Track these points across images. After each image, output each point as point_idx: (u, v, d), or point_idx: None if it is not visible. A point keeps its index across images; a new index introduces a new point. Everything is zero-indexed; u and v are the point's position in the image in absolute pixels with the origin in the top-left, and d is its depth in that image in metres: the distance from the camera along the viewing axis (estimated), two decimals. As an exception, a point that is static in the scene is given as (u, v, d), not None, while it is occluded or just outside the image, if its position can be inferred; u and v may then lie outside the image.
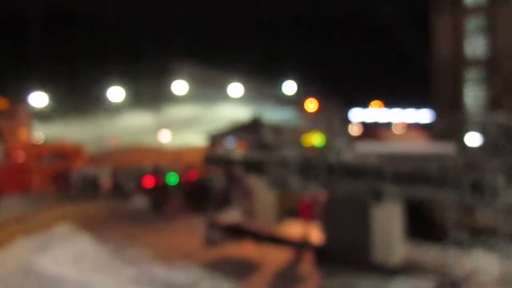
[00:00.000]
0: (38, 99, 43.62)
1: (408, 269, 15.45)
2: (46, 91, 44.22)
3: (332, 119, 36.91)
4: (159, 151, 38.64)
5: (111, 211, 24.96)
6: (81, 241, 18.33)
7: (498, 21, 25.60)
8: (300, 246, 18.20)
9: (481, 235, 17.15)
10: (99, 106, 47.51)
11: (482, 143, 22.86)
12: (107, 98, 46.86)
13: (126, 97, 46.58)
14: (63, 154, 32.28)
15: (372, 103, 52.81)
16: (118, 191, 28.35)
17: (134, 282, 14.37)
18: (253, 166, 20.40)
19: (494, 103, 25.70)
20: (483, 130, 23.65)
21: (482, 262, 15.27)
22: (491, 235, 16.75)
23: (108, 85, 46.19)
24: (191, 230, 20.80)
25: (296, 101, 49.55)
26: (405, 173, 14.94)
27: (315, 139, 26.65)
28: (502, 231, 16.07)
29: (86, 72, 46.06)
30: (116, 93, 46.10)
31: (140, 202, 26.23)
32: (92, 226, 20.85)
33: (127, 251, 17.50)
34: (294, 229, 20.02)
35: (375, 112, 52.20)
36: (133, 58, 49.04)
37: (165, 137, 44.82)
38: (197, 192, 24.65)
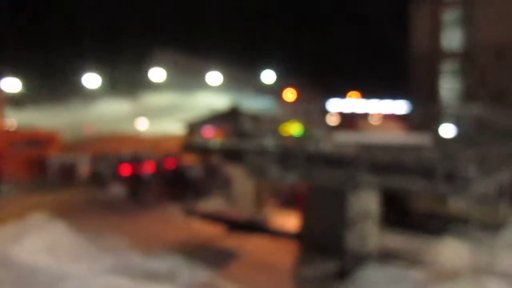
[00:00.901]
0: (11, 85, 42.40)
1: (383, 256, 15.80)
2: (19, 77, 43.00)
3: (311, 109, 37.08)
4: (136, 139, 38.18)
5: (88, 199, 24.62)
6: (56, 229, 18.02)
7: (474, 14, 26.10)
8: (279, 234, 18.39)
9: (453, 223, 17.66)
10: (75, 93, 46.49)
11: (456, 134, 23.43)
12: (82, 85, 45.88)
13: (102, 84, 45.73)
14: (38, 141, 31.55)
15: (350, 93, 53.24)
16: (95, 179, 27.96)
17: (111, 271, 14.26)
18: (232, 155, 20.41)
19: (468, 95, 26.27)
20: (457, 122, 24.22)
21: (454, 249, 15.73)
22: (463, 223, 17.28)
23: (84, 72, 45.22)
24: (169, 219, 20.74)
25: (275, 90, 49.56)
26: (381, 163, 15.19)
27: (294, 128, 26.76)
28: (473, 220, 16.60)
29: (61, 58, 44.94)
30: (92, 80, 45.19)
31: (117, 190, 25.95)
32: (68, 214, 20.48)
33: (104, 240, 17.31)
34: (273, 217, 20.21)
35: (353, 103, 52.66)
36: (110, 45, 48.03)
37: (142, 125, 44.30)
38: (175, 180, 24.55)
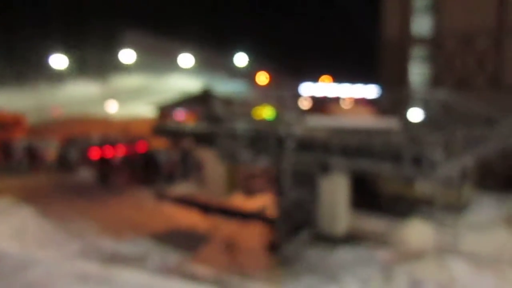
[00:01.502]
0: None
1: (352, 238, 16.16)
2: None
3: (283, 92, 37.12)
4: (106, 122, 37.44)
5: (55, 183, 24.08)
6: (22, 215, 17.59)
7: (442, 1, 26.48)
8: (251, 217, 18.50)
9: (419, 205, 18.18)
10: (41, 75, 45.00)
11: (423, 119, 23.94)
12: (49, 66, 44.41)
13: (70, 66, 44.35)
14: (2, 124, 30.53)
15: (322, 78, 53.57)
16: (63, 163, 27.34)
17: (80, 256, 14.09)
18: (203, 138, 20.30)
19: (437, 80, 26.80)
20: (424, 106, 24.74)
21: (420, 230, 16.22)
22: (428, 205, 17.79)
23: (51, 53, 43.72)
24: (139, 203, 20.54)
25: (248, 74, 49.36)
26: (351, 147, 15.41)
27: (266, 112, 26.79)
28: (438, 201, 17.10)
29: (27, 39, 43.30)
30: (59, 61, 43.76)
31: (85, 174, 25.45)
32: (35, 199, 19.99)
33: (72, 225, 17.05)
34: (244, 201, 20.30)
35: (325, 87, 53.03)
36: (77, 25, 46.60)
37: (112, 108, 43.40)
38: (146, 164, 24.25)
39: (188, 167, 23.07)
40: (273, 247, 15.72)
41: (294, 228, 16.38)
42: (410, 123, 23.70)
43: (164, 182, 22.63)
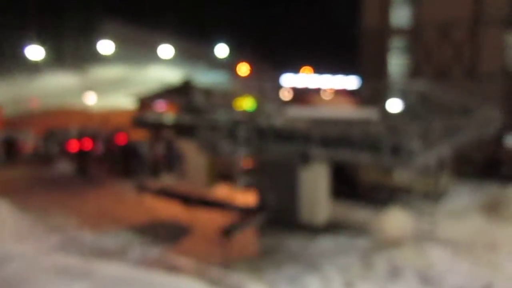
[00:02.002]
0: None
1: (332, 227, 16.37)
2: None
3: (264, 83, 37.12)
4: (85, 114, 36.87)
5: (33, 177, 23.68)
6: (0, 208, 17.27)
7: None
8: (232, 208, 18.52)
9: (398, 194, 18.52)
10: (17, 66, 43.94)
11: (402, 109, 24.29)
12: (25, 57, 43.35)
13: (47, 56, 43.36)
14: (-24, 117, 29.85)
15: (303, 69, 53.69)
16: (41, 155, 26.89)
17: (60, 250, 13.92)
18: (184, 130, 20.18)
19: (415, 71, 27.18)
20: (403, 97, 25.09)
21: (398, 218, 16.52)
22: (406, 193, 18.14)
23: (26, 44, 42.66)
24: (119, 195, 20.38)
25: (228, 65, 49.11)
26: (331, 137, 15.56)
27: (247, 103, 26.74)
28: (416, 190, 17.46)
29: (1, 29, 42.15)
30: (35, 52, 42.75)
31: (64, 167, 25.09)
32: (12, 193, 19.59)
33: (51, 218, 16.81)
34: (225, 192, 20.32)
35: (305, 78, 53.19)
36: (54, 15, 45.56)
37: (90, 99, 42.73)
38: (126, 156, 24.02)
39: (172, 159, 22.91)
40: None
41: (276, 219, 16.50)
42: (389, 113, 24.02)
43: (144, 174, 22.46)
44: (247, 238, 15.71)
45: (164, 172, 22.87)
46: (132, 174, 22.62)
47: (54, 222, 16.46)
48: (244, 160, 20.22)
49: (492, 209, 18.15)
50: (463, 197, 20.14)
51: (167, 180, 21.96)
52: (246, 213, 17.60)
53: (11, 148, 27.08)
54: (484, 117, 20.54)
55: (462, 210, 18.35)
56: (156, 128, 23.64)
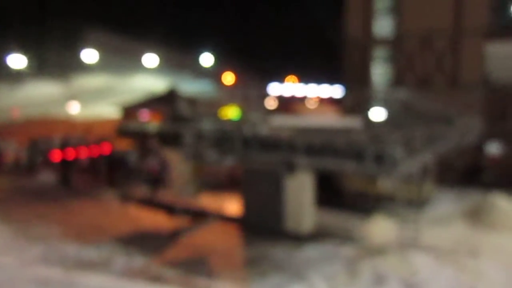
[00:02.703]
0: None
1: (318, 235, 16.40)
2: None
3: (249, 92, 37.27)
4: (68, 123, 36.48)
5: (15, 187, 23.30)
6: (-20, 220, 16.96)
7: (404, 3, 27.28)
8: (218, 217, 18.47)
9: (382, 202, 18.67)
10: (-2, 74, 43.36)
11: (385, 118, 24.58)
12: (7, 65, 42.77)
13: (29, 65, 42.86)
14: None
15: (288, 78, 54.06)
16: (23, 165, 26.47)
17: (42, 261, 13.68)
18: (169, 139, 20.10)
19: (398, 80, 27.58)
20: (386, 106, 25.39)
21: (383, 226, 16.64)
22: (390, 201, 18.30)
23: (8, 52, 42.13)
24: (104, 205, 20.15)
25: (214, 74, 49.19)
26: (316, 146, 15.65)
27: (232, 112, 26.80)
28: (400, 198, 17.63)
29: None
30: (17, 61, 42.21)
31: (47, 177, 24.74)
32: (-7, 204, 19.33)
33: (33, 230, 16.53)
34: (210, 201, 20.23)
35: (291, 87, 53.54)
36: (36, 24, 45.17)
37: (74, 108, 42.29)
38: (110, 165, 23.80)
39: (153, 168, 22.75)
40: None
41: (261, 227, 16.50)
42: (373, 122, 24.28)
43: (128, 183, 22.24)
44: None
45: (145, 181, 22.53)
46: (117, 184, 22.38)
47: (36, 233, 16.18)
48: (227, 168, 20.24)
49: (474, 216, 18.40)
50: (446, 204, 20.39)
51: (150, 189, 21.75)
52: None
53: (-5, 158, 26.65)
54: (465, 125, 20.92)
55: (445, 217, 18.56)
56: (141, 137, 23.49)
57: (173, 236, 16.48)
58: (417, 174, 17.64)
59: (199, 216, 18.70)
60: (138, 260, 13.97)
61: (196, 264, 13.87)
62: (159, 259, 14.34)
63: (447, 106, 20.32)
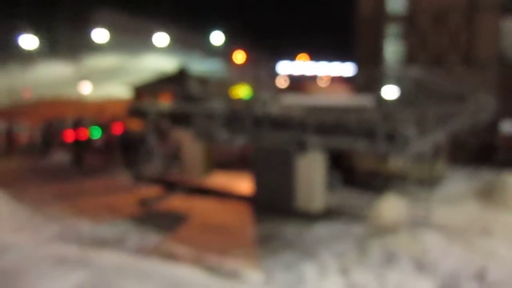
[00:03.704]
0: None
1: (328, 214, 16.48)
2: None
3: (260, 71, 37.01)
4: (80, 104, 36.67)
5: (30, 167, 23.67)
6: (-3, 200, 17.28)
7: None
8: (229, 196, 18.62)
9: (393, 180, 18.60)
10: (10, 56, 43.50)
11: (397, 96, 24.32)
12: (18, 47, 42.89)
13: (40, 46, 42.91)
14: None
15: (299, 56, 53.45)
16: (36, 146, 26.82)
17: (58, 239, 13.97)
18: (180, 119, 20.16)
19: (411, 57, 27.16)
20: (399, 84, 25.10)
21: (394, 205, 16.63)
22: (401, 180, 18.24)
23: (20, 33, 42.19)
24: (117, 185, 20.41)
25: (224, 53, 48.83)
26: (327, 125, 15.58)
27: (242, 91, 26.71)
28: (411, 176, 17.56)
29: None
30: (28, 41, 42.28)
31: (61, 157, 25.06)
32: (8, 184, 19.62)
33: (48, 209, 16.84)
34: (221, 180, 20.37)
35: (301, 65, 52.97)
36: (47, 4, 45.08)
37: (85, 89, 42.46)
38: (122, 145, 23.98)
39: (165, 148, 22.86)
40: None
41: (272, 206, 16.60)
42: (385, 100, 24.03)
43: (141, 163, 22.40)
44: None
45: (158, 160, 22.64)
46: (129, 163, 22.59)
47: (51, 212, 16.49)
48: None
49: (486, 195, 18.27)
50: (458, 184, 20.27)
51: (163, 168, 21.91)
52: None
53: (6, 139, 27.00)
54: (479, 104, 20.61)
55: (457, 196, 18.47)
56: (152, 117, 23.55)
57: (184, 215, 16.69)
58: (429, 153, 17.51)
59: (211, 195, 18.87)
60: (151, 238, 14.20)
61: (208, 242, 14.05)
62: (171, 237, 14.57)
63: (460, 84, 20.01)
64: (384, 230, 14.75)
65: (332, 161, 17.56)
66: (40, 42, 42.46)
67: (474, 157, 23.60)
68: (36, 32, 42.13)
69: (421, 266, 12.59)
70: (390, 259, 12.92)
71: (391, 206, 16.52)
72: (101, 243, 13.76)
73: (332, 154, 17.30)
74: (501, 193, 17.97)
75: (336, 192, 18.12)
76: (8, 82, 40.22)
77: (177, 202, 18.32)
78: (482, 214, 16.43)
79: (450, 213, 16.34)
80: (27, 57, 43.49)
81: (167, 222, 15.95)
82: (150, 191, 19.39)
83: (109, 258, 12.12)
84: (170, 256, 12.82)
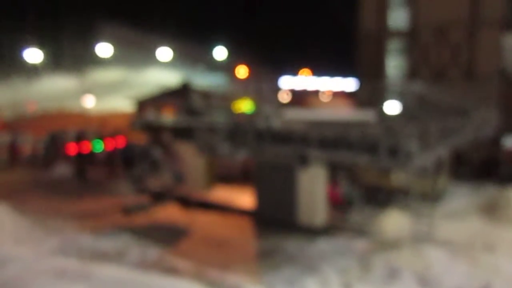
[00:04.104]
0: None
1: (331, 229, 16.39)
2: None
3: (262, 85, 37.17)
4: (83, 117, 36.91)
5: (32, 180, 23.70)
6: (-2, 212, 17.25)
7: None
8: (230, 210, 18.56)
9: (396, 195, 18.53)
10: (15, 69, 43.93)
11: (400, 110, 24.36)
12: (23, 60, 43.34)
13: (45, 59, 43.37)
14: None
15: (302, 71, 53.76)
16: (39, 158, 26.89)
17: (59, 253, 13.92)
18: (182, 132, 20.21)
19: (413, 72, 27.30)
20: (401, 98, 25.16)
21: (396, 220, 16.55)
22: (404, 195, 18.16)
23: (25, 47, 42.67)
24: (118, 198, 20.38)
25: (227, 67, 49.18)
26: (329, 139, 15.59)
27: (245, 105, 26.79)
28: (414, 191, 17.48)
29: (0, 32, 42.17)
30: (33, 55, 42.74)
31: (63, 170, 25.10)
32: (11, 196, 19.62)
33: (50, 221, 16.81)
34: (223, 194, 20.34)
35: (304, 80, 53.26)
36: (52, 18, 45.63)
37: (89, 102, 42.77)
38: (125, 158, 24.01)
39: (167, 161, 22.88)
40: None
41: (274, 221, 16.54)
42: (387, 115, 24.07)
43: (142, 176, 22.41)
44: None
45: (160, 174, 22.64)
46: (131, 176, 22.60)
47: (53, 225, 16.46)
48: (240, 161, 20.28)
49: (490, 210, 18.17)
50: (461, 198, 20.18)
51: (165, 182, 21.91)
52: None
53: (9, 151, 27.09)
54: (481, 118, 20.62)
55: (460, 212, 18.38)
56: (155, 130, 23.64)
57: (186, 228, 16.63)
58: (432, 167, 17.46)
59: (213, 208, 18.82)
60: (153, 252, 14.13)
61: (210, 256, 13.98)
62: (173, 251, 14.50)
63: (462, 99, 20.05)
64: (386, 246, 14.66)
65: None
66: (45, 56, 42.92)
67: (477, 172, 23.54)
68: (41, 46, 42.61)
69: (424, 281, 12.47)
70: (393, 274, 12.81)
71: (394, 221, 16.44)
72: (101, 256, 13.70)
73: (334, 169, 17.28)
74: (504, 208, 17.87)
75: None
76: (13, 95, 40.54)
77: (178, 215, 18.28)
78: (486, 230, 16.32)
79: (453, 229, 16.24)
80: (32, 71, 43.90)
81: (168, 236, 15.90)
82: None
83: (109, 271, 12.05)
84: (171, 270, 12.74)
